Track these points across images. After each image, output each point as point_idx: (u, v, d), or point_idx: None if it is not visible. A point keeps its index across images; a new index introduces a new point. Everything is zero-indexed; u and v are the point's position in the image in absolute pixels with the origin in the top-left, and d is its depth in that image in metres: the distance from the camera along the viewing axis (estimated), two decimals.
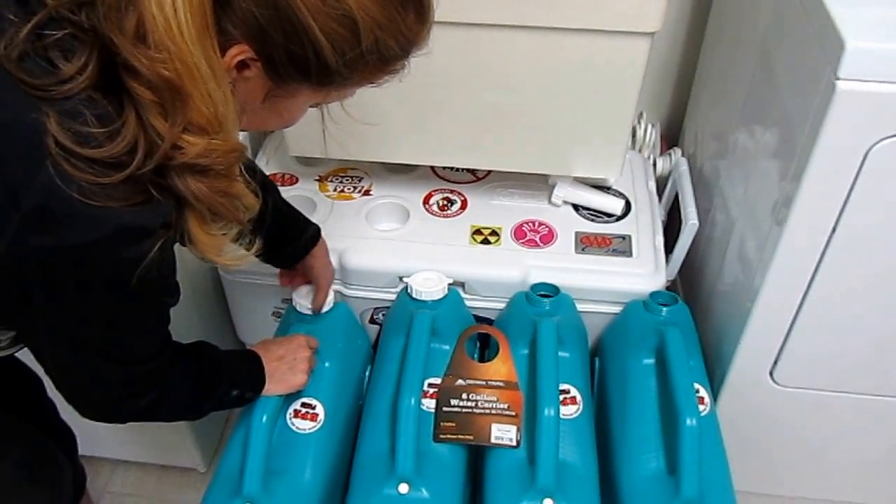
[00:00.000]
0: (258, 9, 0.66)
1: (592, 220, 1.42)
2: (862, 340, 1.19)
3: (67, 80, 0.65)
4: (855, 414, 1.25)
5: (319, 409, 1.19)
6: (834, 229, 1.05)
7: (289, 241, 1.21)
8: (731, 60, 1.41)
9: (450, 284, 1.31)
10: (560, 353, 1.22)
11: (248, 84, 0.73)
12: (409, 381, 1.13)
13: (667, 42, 1.66)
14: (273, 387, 1.10)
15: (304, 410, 1.19)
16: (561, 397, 1.18)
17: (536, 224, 1.41)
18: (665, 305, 1.26)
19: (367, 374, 1.38)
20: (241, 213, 0.80)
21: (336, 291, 1.36)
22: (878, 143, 0.96)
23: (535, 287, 1.30)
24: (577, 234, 1.39)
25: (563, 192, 1.43)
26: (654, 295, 1.28)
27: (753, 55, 1.26)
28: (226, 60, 0.69)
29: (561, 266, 1.33)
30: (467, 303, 1.35)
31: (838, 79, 0.92)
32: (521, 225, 1.40)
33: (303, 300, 1.28)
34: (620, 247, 1.37)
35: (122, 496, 1.59)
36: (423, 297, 1.28)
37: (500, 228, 1.39)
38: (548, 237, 1.38)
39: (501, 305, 1.35)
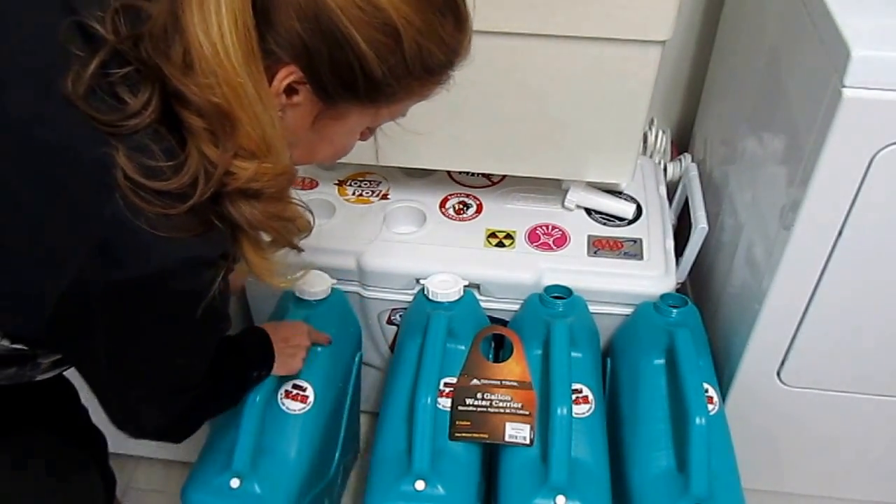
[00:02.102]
0: (301, 25, 0.66)
1: (604, 224, 1.43)
2: (867, 341, 1.19)
3: (134, 115, 0.66)
4: (861, 413, 1.25)
5: (310, 392, 1.22)
6: (840, 233, 1.06)
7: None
8: (739, 68, 1.42)
9: (465, 286, 1.32)
10: (573, 354, 1.23)
11: (297, 111, 0.74)
12: (426, 380, 1.15)
13: (677, 50, 1.67)
14: (279, 367, 1.11)
15: (294, 392, 1.22)
16: (573, 396, 1.19)
17: (550, 227, 1.42)
18: (675, 307, 1.27)
19: (356, 359, 1.40)
20: (294, 237, 0.81)
21: (354, 293, 1.38)
22: (883, 149, 0.97)
23: (549, 289, 1.31)
24: (589, 237, 1.40)
25: (576, 197, 1.44)
26: (664, 297, 1.29)
27: (761, 63, 1.27)
28: (274, 86, 0.69)
29: (574, 269, 1.34)
30: (482, 304, 1.36)
31: (844, 86, 0.93)
32: (535, 228, 1.42)
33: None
34: (632, 250, 1.38)
35: (146, 492, 1.60)
36: (439, 299, 1.30)
37: (514, 232, 1.41)
38: (561, 240, 1.40)
39: (516, 307, 1.36)
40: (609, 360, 1.39)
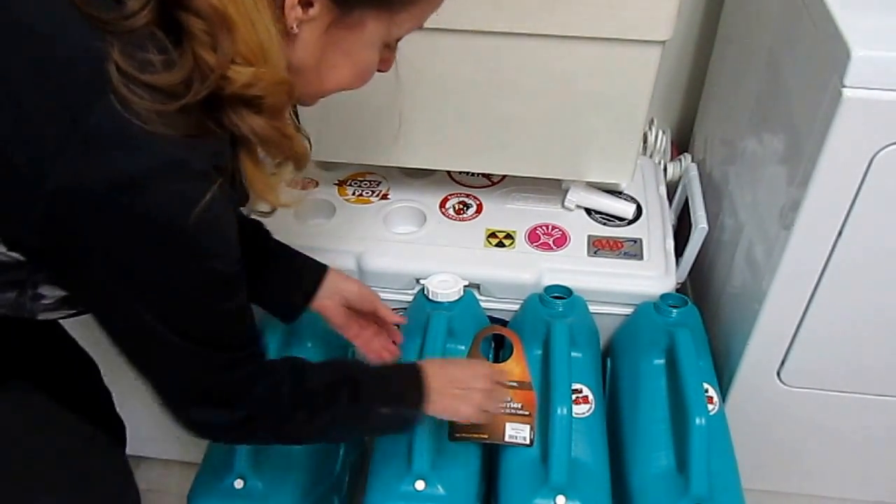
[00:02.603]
0: None
1: (604, 224, 1.43)
2: (867, 341, 1.19)
3: (131, 15, 0.66)
4: (861, 413, 1.26)
5: None
6: (840, 233, 1.06)
7: (299, 275, 1.14)
8: (739, 68, 1.42)
9: (465, 286, 1.32)
10: (573, 354, 1.23)
11: (312, 25, 0.74)
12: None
13: (677, 50, 1.67)
14: (434, 406, 0.99)
15: None
16: (573, 396, 1.20)
17: (550, 227, 1.42)
18: (675, 307, 1.27)
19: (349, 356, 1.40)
20: (295, 150, 0.79)
21: None
22: (883, 149, 0.97)
23: (549, 289, 1.31)
24: (589, 237, 1.40)
25: (576, 197, 1.44)
26: (664, 297, 1.29)
27: (761, 63, 1.27)
28: None
29: (574, 269, 1.34)
30: (482, 304, 1.36)
31: (844, 86, 0.93)
32: (535, 228, 1.42)
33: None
34: (632, 250, 1.38)
35: (146, 492, 1.57)
36: (439, 299, 1.30)
37: (514, 232, 1.41)
38: (561, 240, 1.40)
39: (516, 307, 1.36)
40: (609, 360, 1.39)
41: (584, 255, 1.37)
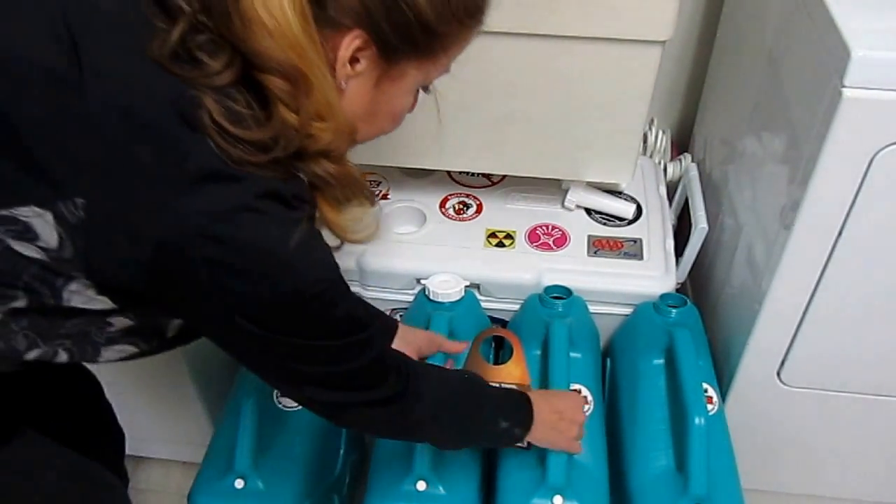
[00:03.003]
0: None
1: (604, 224, 1.43)
2: (867, 341, 1.19)
3: (216, 74, 0.68)
4: (860, 413, 1.26)
5: None
6: (840, 233, 1.06)
7: None
8: (739, 68, 1.42)
9: (466, 286, 1.32)
10: (572, 354, 1.24)
11: (359, 80, 0.77)
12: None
13: (678, 50, 1.67)
14: (539, 434, 1.06)
15: None
16: None
17: (550, 227, 1.42)
18: (674, 307, 1.27)
19: None
20: (363, 188, 0.83)
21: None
22: (882, 149, 0.97)
23: (549, 289, 1.31)
24: (589, 237, 1.40)
25: (576, 197, 1.44)
26: (664, 297, 1.29)
27: (761, 63, 1.27)
28: (340, 55, 0.73)
29: (574, 269, 1.34)
30: (482, 304, 1.36)
31: (844, 86, 0.93)
32: (535, 228, 1.42)
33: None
34: (632, 250, 1.38)
35: (146, 493, 1.60)
36: (440, 299, 1.30)
37: (514, 232, 1.41)
38: (561, 240, 1.40)
39: (516, 307, 1.36)
40: (609, 360, 1.39)
41: (584, 255, 1.37)
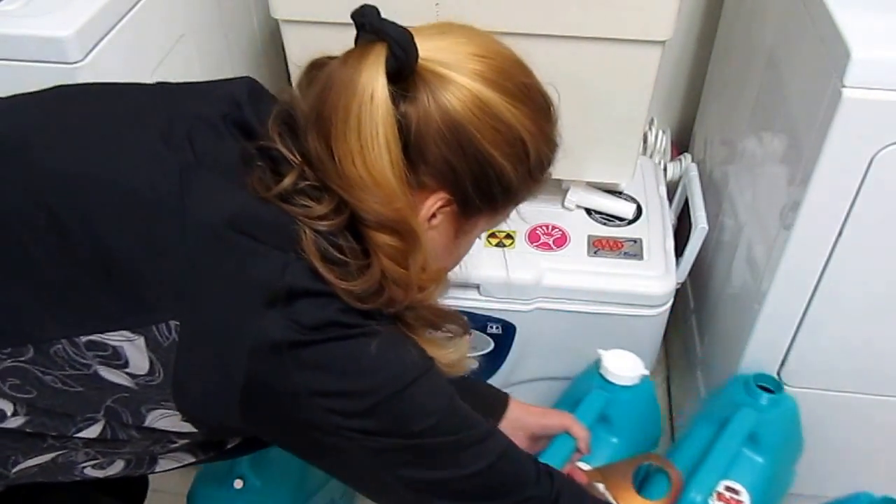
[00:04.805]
0: (449, 152, 0.73)
1: (605, 224, 1.44)
2: (867, 341, 1.19)
3: (321, 217, 0.70)
4: (861, 413, 1.25)
5: None
6: (840, 233, 1.06)
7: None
8: (739, 68, 1.42)
9: (465, 286, 1.32)
10: (754, 456, 1.15)
11: (435, 232, 0.79)
12: (549, 455, 1.07)
13: (677, 50, 1.67)
14: None
15: None
16: (726, 494, 1.12)
17: (550, 228, 1.42)
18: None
19: None
20: (458, 328, 0.84)
21: None
22: (882, 149, 0.97)
23: (758, 377, 1.21)
24: (589, 237, 1.40)
25: (576, 197, 1.44)
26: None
27: (761, 63, 1.27)
28: (422, 213, 0.75)
29: (574, 269, 1.34)
30: (483, 305, 1.36)
31: (844, 86, 0.93)
32: (535, 228, 1.42)
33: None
34: (632, 250, 1.38)
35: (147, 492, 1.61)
36: (611, 379, 1.21)
37: (514, 232, 1.41)
38: (561, 240, 1.40)
39: (516, 307, 1.36)
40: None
41: (584, 255, 1.37)
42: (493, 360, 1.45)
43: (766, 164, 1.23)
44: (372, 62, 0.69)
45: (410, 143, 0.71)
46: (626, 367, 1.20)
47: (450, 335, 0.84)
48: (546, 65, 1.21)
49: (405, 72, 0.70)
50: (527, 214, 1.42)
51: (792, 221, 1.08)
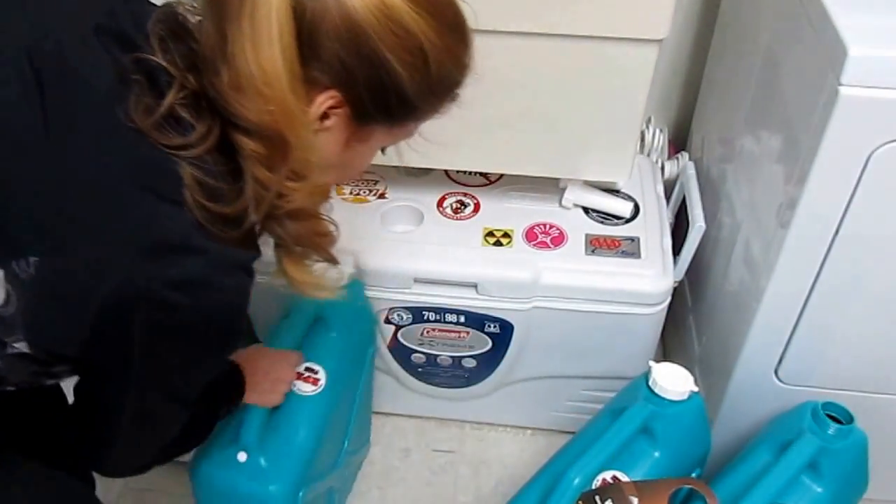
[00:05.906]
0: (343, 51, 0.71)
1: (602, 223, 1.44)
2: (865, 339, 1.19)
3: (199, 141, 0.70)
4: (859, 412, 1.25)
5: (322, 375, 1.24)
6: (837, 231, 1.06)
7: None
8: (736, 66, 1.42)
9: (464, 285, 1.32)
10: (813, 486, 1.12)
11: (327, 135, 0.78)
12: (585, 461, 1.09)
13: (674, 49, 1.67)
14: (249, 396, 1.12)
15: (307, 374, 1.23)
16: None
17: (547, 226, 1.43)
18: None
19: (369, 352, 1.43)
20: (331, 249, 0.85)
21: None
22: (879, 147, 0.97)
23: (827, 406, 1.17)
24: (587, 236, 1.41)
25: (573, 195, 1.44)
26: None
27: (758, 61, 1.27)
28: (312, 110, 0.73)
29: (571, 267, 1.35)
30: (480, 303, 1.36)
31: (841, 85, 0.93)
32: (533, 227, 1.42)
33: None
34: (629, 249, 1.38)
35: (142, 492, 1.60)
36: (659, 393, 1.17)
37: (511, 230, 1.41)
38: (558, 239, 1.40)
39: (514, 306, 1.36)
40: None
41: (582, 254, 1.37)
42: (491, 359, 1.45)
43: (763, 163, 1.23)
44: None
45: (304, 33, 0.69)
46: (674, 380, 1.18)
47: (317, 260, 0.86)
48: (543, 64, 1.22)
49: None
50: (524, 213, 1.45)
51: (789, 219, 1.08)
